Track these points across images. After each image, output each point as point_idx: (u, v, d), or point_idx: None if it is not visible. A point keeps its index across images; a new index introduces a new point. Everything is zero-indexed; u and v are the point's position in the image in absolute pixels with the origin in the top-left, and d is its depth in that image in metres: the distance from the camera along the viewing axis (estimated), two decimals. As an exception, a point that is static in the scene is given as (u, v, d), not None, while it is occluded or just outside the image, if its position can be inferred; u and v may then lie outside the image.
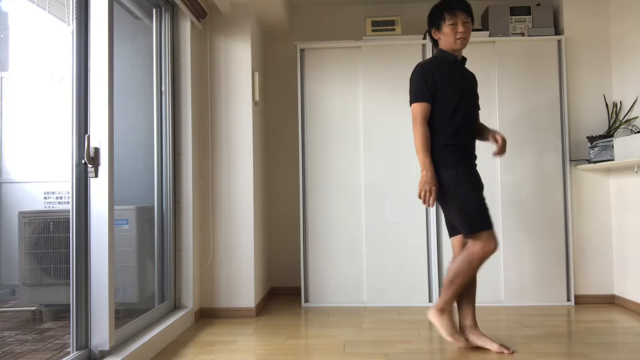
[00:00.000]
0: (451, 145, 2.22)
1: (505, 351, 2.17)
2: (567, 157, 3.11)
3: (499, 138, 2.29)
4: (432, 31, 2.38)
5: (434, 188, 2.17)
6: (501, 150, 2.30)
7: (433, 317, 2.23)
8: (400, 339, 2.40)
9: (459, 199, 2.19)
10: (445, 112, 2.25)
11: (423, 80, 2.27)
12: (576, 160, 3.14)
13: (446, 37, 2.31)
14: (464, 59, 2.37)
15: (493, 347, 2.19)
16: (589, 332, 2.48)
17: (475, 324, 2.25)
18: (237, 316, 2.90)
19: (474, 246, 2.17)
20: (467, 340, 2.23)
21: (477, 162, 2.31)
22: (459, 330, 2.25)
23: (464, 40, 2.29)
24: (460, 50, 2.33)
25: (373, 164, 3.15)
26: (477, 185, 2.24)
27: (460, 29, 2.27)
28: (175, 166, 2.77)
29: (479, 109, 2.42)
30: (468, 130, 2.27)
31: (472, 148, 2.30)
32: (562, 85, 3.14)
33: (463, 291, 2.25)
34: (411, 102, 2.28)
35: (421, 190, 2.19)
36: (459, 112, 2.24)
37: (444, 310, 2.21)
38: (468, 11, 2.30)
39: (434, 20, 2.36)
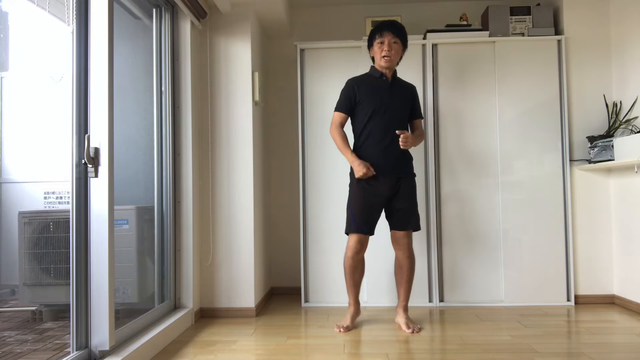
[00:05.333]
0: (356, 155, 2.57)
1: (409, 331, 2.52)
2: (567, 157, 3.11)
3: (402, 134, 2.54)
4: (370, 50, 2.69)
5: (365, 170, 2.50)
6: (403, 142, 2.52)
7: None
8: (400, 339, 2.40)
9: (348, 201, 2.62)
10: (359, 123, 2.60)
11: (345, 94, 2.62)
12: (576, 160, 3.14)
13: (376, 55, 2.62)
14: (394, 76, 2.65)
15: (404, 327, 2.55)
16: (589, 332, 2.48)
17: (402, 305, 2.65)
18: (237, 316, 2.90)
19: (347, 245, 2.61)
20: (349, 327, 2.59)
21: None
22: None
23: (389, 60, 2.56)
24: (387, 68, 2.61)
25: (373, 164, 3.15)
26: (359, 195, 2.56)
27: (385, 47, 2.55)
28: (175, 166, 2.77)
29: (407, 122, 2.68)
30: (376, 143, 2.55)
31: (377, 158, 2.55)
32: (562, 85, 3.14)
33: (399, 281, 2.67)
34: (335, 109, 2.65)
35: (360, 176, 2.52)
36: (368, 126, 2.57)
37: (349, 304, 2.66)
38: (397, 32, 2.58)
39: (370, 40, 2.67)
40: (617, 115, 3.05)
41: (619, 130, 3.02)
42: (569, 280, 3.08)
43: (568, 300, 3.08)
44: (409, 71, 3.19)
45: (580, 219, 3.13)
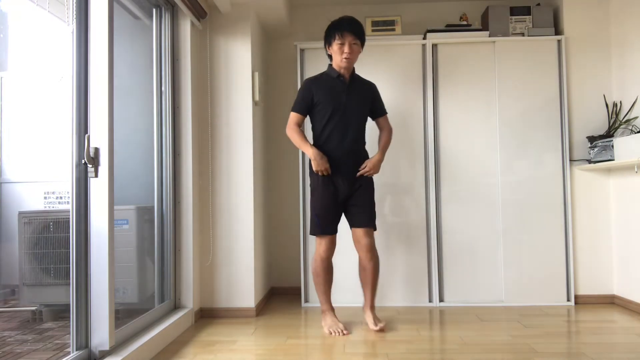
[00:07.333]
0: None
1: (376, 328, 2.54)
2: (567, 157, 3.11)
3: (366, 163, 2.60)
4: (327, 47, 2.64)
5: (326, 166, 2.50)
6: (365, 172, 2.58)
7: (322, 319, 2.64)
8: (400, 339, 2.40)
9: (311, 203, 2.62)
10: (319, 124, 2.58)
11: (302, 94, 2.59)
12: (576, 160, 3.14)
13: (335, 55, 2.58)
14: (352, 75, 2.63)
15: (371, 326, 2.57)
16: (589, 332, 2.48)
17: (369, 305, 2.63)
18: (237, 316, 2.90)
19: (316, 248, 2.59)
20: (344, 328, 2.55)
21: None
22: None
23: (349, 61, 2.56)
24: (346, 68, 2.59)
25: (373, 164, 3.15)
26: (322, 196, 2.54)
27: (346, 49, 2.52)
28: (175, 166, 2.77)
29: (365, 121, 2.68)
30: (336, 144, 2.55)
31: (338, 159, 2.55)
32: (562, 85, 3.14)
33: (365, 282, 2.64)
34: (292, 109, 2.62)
35: (319, 169, 2.51)
36: (328, 127, 2.55)
37: (323, 311, 2.65)
38: (357, 34, 2.56)
39: (327, 38, 2.62)
40: (617, 115, 3.05)
41: (619, 130, 3.02)
42: (569, 280, 3.08)
43: (568, 300, 3.08)
44: (409, 71, 3.19)
45: (580, 219, 3.13)
